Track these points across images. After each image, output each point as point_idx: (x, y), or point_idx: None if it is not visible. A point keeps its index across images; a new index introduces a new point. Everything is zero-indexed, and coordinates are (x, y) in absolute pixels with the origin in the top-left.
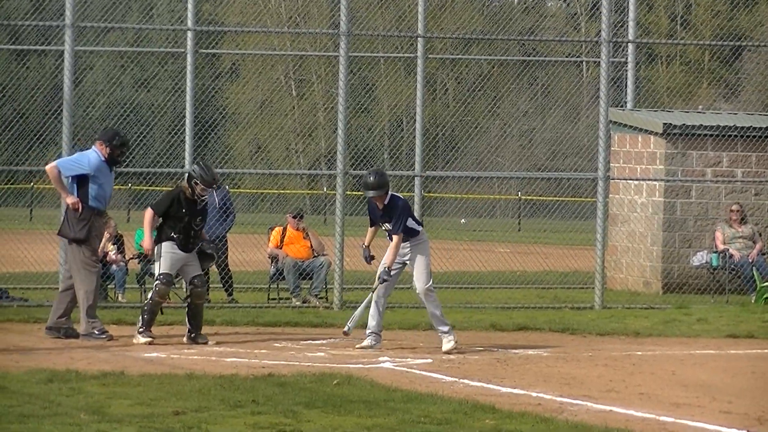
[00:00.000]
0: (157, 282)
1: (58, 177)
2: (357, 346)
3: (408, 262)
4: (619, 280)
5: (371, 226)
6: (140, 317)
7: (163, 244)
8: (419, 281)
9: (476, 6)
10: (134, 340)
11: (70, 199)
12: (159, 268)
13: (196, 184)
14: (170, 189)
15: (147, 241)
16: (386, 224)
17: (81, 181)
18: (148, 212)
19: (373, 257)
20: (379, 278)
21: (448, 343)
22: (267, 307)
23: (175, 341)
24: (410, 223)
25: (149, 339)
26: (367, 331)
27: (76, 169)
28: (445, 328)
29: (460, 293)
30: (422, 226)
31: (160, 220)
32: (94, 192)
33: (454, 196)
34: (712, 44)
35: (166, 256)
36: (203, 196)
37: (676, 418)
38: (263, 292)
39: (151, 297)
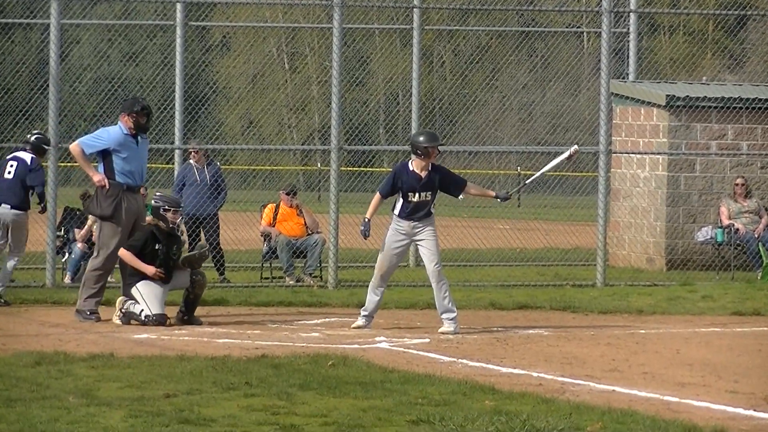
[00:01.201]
0: (150, 321)
1: (82, 155)
2: (352, 326)
3: (417, 241)
4: (621, 257)
5: (384, 197)
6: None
7: (140, 284)
8: (431, 263)
9: None
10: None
11: (96, 177)
12: (145, 309)
13: (166, 211)
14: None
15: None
16: (425, 193)
17: (105, 157)
18: (125, 254)
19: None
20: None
21: (448, 327)
22: (260, 287)
23: (167, 322)
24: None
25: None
26: (362, 312)
27: (96, 144)
28: (451, 315)
29: (458, 271)
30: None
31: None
32: (119, 167)
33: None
34: (717, 13)
35: (149, 296)
36: (176, 221)
37: (681, 398)
38: (256, 271)
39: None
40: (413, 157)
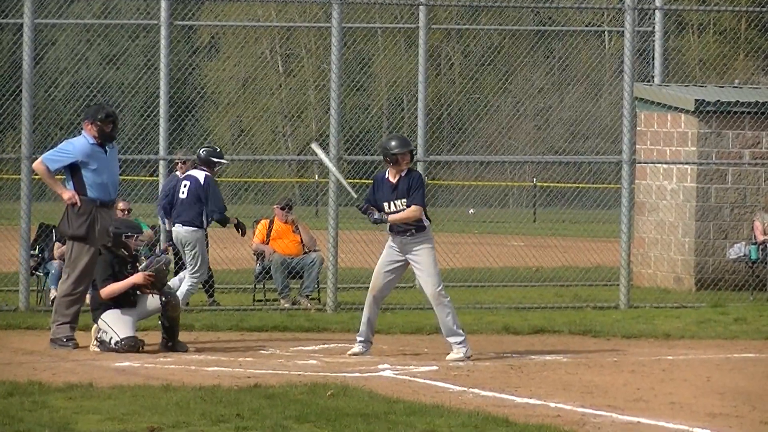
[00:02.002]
0: (120, 346)
1: (46, 172)
2: (348, 352)
3: (411, 260)
4: (646, 276)
5: (364, 213)
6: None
7: (105, 315)
8: (428, 285)
9: None
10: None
11: (66, 194)
12: (114, 336)
13: (128, 238)
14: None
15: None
16: (399, 202)
17: (73, 171)
18: (107, 291)
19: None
20: (369, 215)
21: (457, 353)
22: (252, 310)
23: (149, 349)
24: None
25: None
26: (358, 338)
27: (62, 158)
28: (459, 339)
29: (468, 292)
30: (430, 221)
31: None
32: (90, 180)
33: (462, 183)
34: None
35: (116, 322)
36: (138, 247)
37: (712, 429)
38: (248, 293)
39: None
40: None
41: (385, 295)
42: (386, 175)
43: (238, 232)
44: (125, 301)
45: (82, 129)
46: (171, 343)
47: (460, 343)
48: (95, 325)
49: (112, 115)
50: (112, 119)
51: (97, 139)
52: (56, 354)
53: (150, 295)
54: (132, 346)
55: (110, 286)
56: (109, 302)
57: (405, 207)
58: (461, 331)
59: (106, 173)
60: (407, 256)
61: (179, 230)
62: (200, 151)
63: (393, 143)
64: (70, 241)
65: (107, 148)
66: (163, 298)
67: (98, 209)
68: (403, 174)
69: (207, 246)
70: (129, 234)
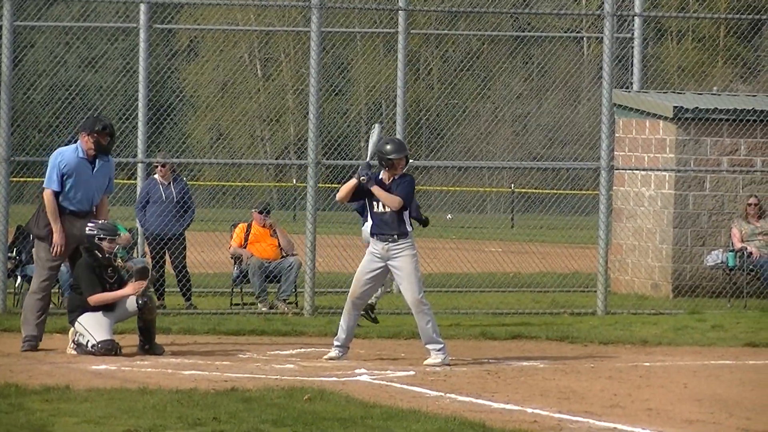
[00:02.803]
0: (97, 349)
1: (53, 202)
2: (325, 357)
3: (392, 267)
4: (624, 283)
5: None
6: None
7: (82, 318)
8: (409, 292)
9: None
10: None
11: (56, 237)
12: (90, 339)
13: (101, 241)
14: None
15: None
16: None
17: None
18: (95, 299)
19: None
20: (362, 171)
21: (435, 358)
22: (230, 314)
23: (127, 351)
24: (405, 217)
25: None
26: (335, 342)
27: (57, 174)
28: (438, 347)
29: (446, 297)
30: (412, 227)
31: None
32: (65, 189)
33: (440, 188)
34: (729, 18)
35: (93, 326)
36: (113, 250)
37: None
38: (225, 296)
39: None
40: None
41: (365, 301)
42: (380, 176)
43: None
44: (104, 305)
45: (77, 139)
46: (148, 346)
47: (439, 350)
48: (72, 328)
49: (109, 127)
50: (109, 131)
51: (91, 152)
52: (33, 356)
53: (127, 298)
54: (109, 349)
55: (101, 296)
56: (86, 305)
57: (393, 211)
58: (440, 339)
59: (82, 190)
60: (388, 262)
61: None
62: None
63: (389, 147)
64: (36, 240)
65: (97, 162)
66: (140, 301)
67: (66, 216)
68: (396, 177)
69: (184, 251)
70: (102, 236)
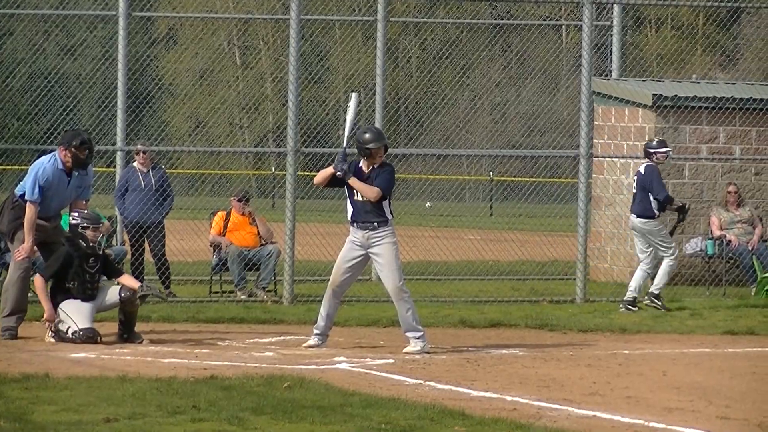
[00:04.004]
0: (77, 336)
1: (35, 214)
2: (304, 345)
3: (372, 254)
4: (603, 271)
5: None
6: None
7: (64, 303)
8: (388, 279)
9: None
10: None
11: (26, 245)
12: (72, 326)
13: (85, 229)
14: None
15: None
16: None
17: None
18: (38, 281)
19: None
20: (339, 162)
21: (415, 346)
22: (209, 302)
23: (106, 339)
24: (386, 205)
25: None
26: (315, 330)
27: (37, 185)
28: (417, 334)
29: (425, 285)
30: (392, 215)
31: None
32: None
33: (419, 176)
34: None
35: (75, 312)
36: (97, 238)
37: (668, 424)
38: (204, 284)
39: (69, 341)
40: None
41: (345, 289)
42: (359, 164)
43: None
44: (83, 288)
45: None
46: (126, 335)
47: (418, 338)
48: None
49: (87, 142)
50: (87, 146)
51: (68, 165)
52: (12, 344)
53: (109, 288)
54: (90, 337)
55: (41, 286)
56: (67, 293)
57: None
58: (420, 327)
59: (56, 200)
60: (369, 250)
61: (633, 221)
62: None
63: (367, 136)
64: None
65: (74, 174)
66: (122, 294)
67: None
68: (376, 166)
69: (163, 239)
70: (86, 225)
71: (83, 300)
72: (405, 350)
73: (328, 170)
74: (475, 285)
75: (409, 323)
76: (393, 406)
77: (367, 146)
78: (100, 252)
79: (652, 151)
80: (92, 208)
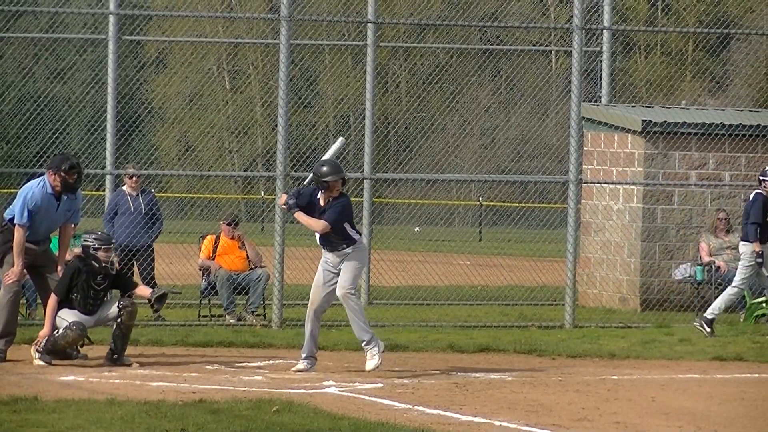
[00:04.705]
0: (68, 328)
1: (23, 238)
2: (293, 369)
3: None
4: (592, 296)
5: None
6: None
7: (62, 312)
8: (340, 282)
9: None
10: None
11: (16, 269)
12: (64, 323)
13: (96, 250)
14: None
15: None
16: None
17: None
18: (51, 300)
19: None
20: (291, 199)
21: (371, 360)
22: (198, 325)
23: (94, 363)
24: (348, 228)
25: (45, 363)
26: (303, 354)
27: (26, 209)
28: (367, 337)
29: (414, 310)
30: (360, 234)
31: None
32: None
33: (408, 201)
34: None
35: (71, 316)
36: (109, 259)
37: None
38: (194, 308)
39: (58, 339)
40: None
41: (325, 309)
42: (318, 196)
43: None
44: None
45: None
46: (116, 356)
47: (369, 342)
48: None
49: (76, 166)
50: (76, 171)
51: (57, 189)
52: (1, 367)
53: (108, 303)
54: (81, 330)
55: (52, 306)
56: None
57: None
58: (368, 329)
59: (45, 224)
60: (339, 267)
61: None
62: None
63: (324, 169)
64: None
65: (63, 198)
66: (121, 304)
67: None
68: (332, 199)
69: (152, 262)
70: (97, 246)
71: (82, 313)
72: (367, 368)
73: (280, 200)
74: (464, 310)
75: (358, 326)
76: (382, 430)
77: (325, 179)
78: (113, 272)
79: (763, 179)
80: (80, 231)
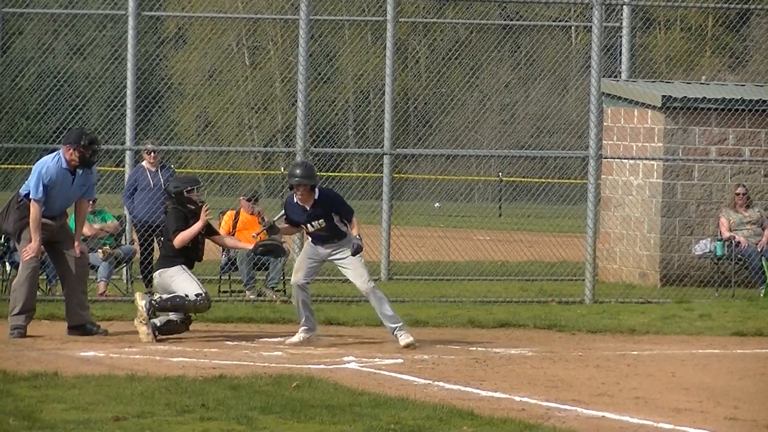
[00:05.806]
0: (204, 298)
1: (39, 214)
2: (286, 342)
3: (335, 262)
4: (612, 272)
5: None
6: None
7: (170, 270)
8: (358, 279)
9: None
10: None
11: (33, 245)
12: (181, 291)
13: (190, 191)
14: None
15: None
16: (315, 222)
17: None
18: (181, 236)
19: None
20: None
21: (406, 338)
22: (218, 301)
23: (114, 339)
24: (338, 223)
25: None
26: (301, 327)
27: (41, 184)
28: (398, 325)
29: (434, 286)
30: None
31: None
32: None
33: (428, 177)
34: (717, 7)
35: (184, 277)
36: (202, 198)
37: (676, 425)
38: (213, 284)
39: (188, 303)
40: None
41: (309, 281)
42: (294, 199)
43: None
44: (195, 254)
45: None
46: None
47: (400, 328)
48: (142, 303)
49: (95, 142)
50: (94, 146)
51: (74, 164)
52: (21, 342)
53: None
54: (209, 304)
55: (182, 236)
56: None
57: (327, 224)
58: (398, 317)
59: (60, 199)
60: (330, 257)
61: None
62: None
63: (298, 171)
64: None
65: (78, 173)
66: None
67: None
68: (316, 197)
69: None
70: (189, 188)
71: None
72: (401, 344)
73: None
74: (484, 285)
75: (387, 316)
76: (402, 405)
77: (293, 181)
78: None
79: None
80: (100, 207)
